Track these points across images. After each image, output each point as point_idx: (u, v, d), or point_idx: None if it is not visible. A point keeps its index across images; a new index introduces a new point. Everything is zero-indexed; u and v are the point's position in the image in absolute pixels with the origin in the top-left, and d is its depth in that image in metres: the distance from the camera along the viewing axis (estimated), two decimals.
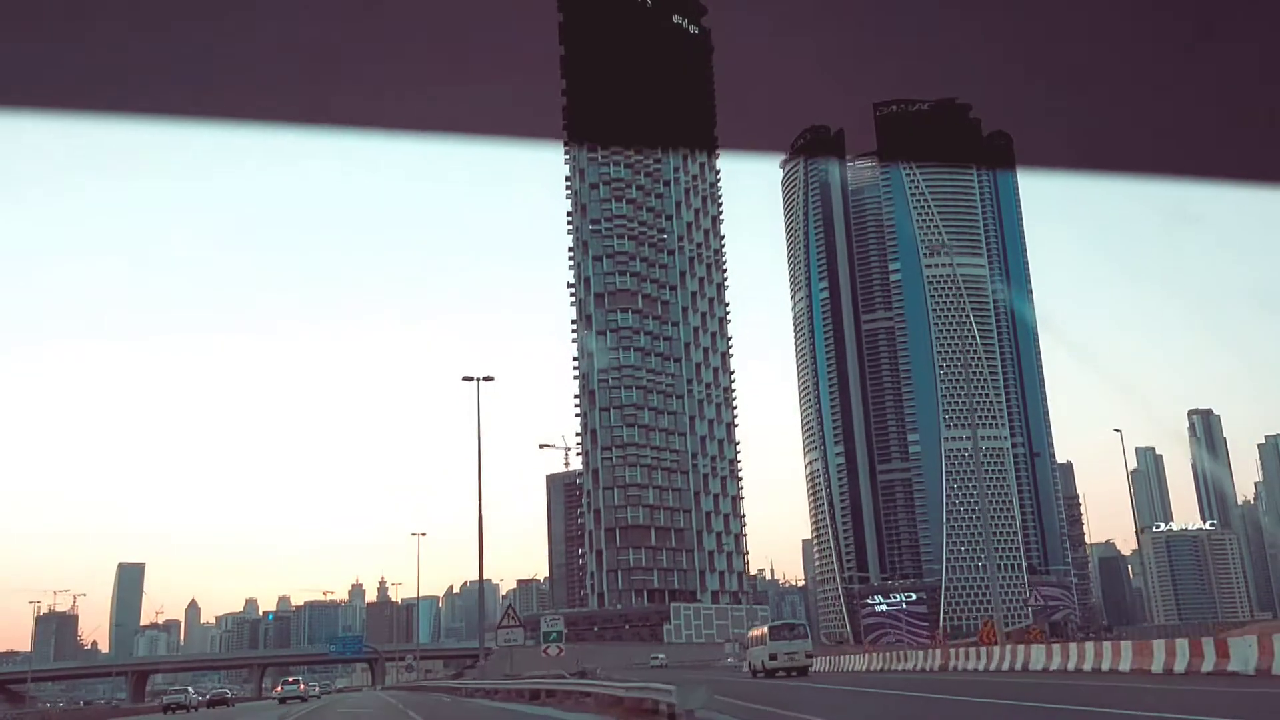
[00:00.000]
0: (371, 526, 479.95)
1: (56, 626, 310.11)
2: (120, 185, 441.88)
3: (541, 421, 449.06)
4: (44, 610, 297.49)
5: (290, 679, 75.72)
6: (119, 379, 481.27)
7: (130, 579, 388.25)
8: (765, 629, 45.69)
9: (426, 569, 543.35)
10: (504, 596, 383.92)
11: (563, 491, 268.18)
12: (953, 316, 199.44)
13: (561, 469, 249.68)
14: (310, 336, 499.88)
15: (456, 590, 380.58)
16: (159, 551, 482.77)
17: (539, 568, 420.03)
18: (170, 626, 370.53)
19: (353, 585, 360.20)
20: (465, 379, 51.48)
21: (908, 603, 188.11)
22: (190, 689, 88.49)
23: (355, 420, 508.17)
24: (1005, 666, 34.37)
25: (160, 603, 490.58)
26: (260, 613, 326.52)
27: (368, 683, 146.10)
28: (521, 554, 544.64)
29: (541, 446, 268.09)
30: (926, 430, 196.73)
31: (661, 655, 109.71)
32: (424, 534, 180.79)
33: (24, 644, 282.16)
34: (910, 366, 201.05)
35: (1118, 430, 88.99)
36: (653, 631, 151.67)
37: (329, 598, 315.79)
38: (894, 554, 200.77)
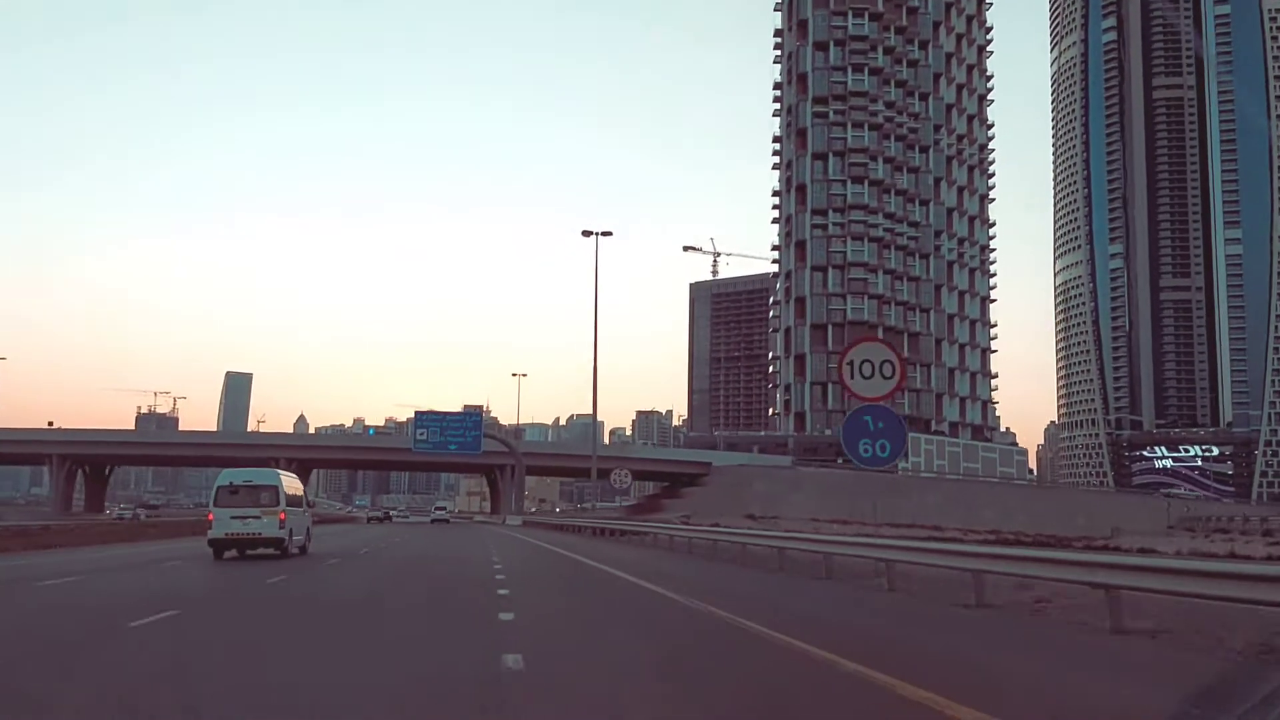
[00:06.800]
0: (480, 353, 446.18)
1: (156, 426, 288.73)
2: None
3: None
4: (145, 410, 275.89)
5: None
6: (235, 196, 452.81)
7: (238, 387, 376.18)
8: None
9: (532, 402, 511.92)
10: (612, 432, 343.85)
11: (709, 304, 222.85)
12: None
13: (709, 277, 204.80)
14: (425, 141, 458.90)
15: (564, 422, 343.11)
16: (270, 366, 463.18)
17: (671, 402, 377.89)
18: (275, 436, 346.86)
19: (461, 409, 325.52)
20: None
21: (1205, 458, 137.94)
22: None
23: (472, 239, 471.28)
24: None
25: (264, 413, 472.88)
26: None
27: (480, 508, 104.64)
28: (651, 385, 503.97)
29: (686, 249, 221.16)
30: (1252, 225, 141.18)
31: None
32: (524, 375, 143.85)
33: None
34: (1235, 138, 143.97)
35: None
36: None
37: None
38: (1177, 394, 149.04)
